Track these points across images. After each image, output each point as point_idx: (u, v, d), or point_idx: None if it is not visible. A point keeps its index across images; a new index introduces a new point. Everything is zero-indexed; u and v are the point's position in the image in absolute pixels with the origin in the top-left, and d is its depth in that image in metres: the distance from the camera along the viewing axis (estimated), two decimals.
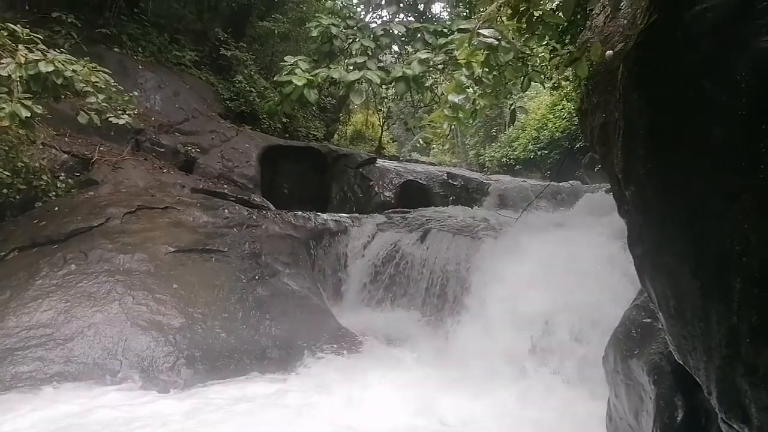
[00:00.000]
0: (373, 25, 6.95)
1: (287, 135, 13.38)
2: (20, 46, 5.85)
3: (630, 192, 2.15)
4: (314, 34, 6.88)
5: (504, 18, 3.38)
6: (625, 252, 2.30)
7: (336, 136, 17.44)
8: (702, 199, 1.72)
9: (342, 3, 9.45)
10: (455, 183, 11.59)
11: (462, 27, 4.17)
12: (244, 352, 5.32)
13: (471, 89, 4.27)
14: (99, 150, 8.26)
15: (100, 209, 6.48)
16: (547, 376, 5.04)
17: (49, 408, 4.15)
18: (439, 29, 6.46)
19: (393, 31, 6.47)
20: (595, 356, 3.92)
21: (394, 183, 11.10)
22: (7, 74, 5.59)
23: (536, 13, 3.26)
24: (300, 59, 5.98)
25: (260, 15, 14.36)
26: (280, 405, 4.52)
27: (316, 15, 8.90)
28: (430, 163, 16.35)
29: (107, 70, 6.49)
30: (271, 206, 8.90)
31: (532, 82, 4.50)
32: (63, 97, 6.33)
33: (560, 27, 5.27)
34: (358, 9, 8.57)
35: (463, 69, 4.07)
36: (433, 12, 10.02)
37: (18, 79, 5.63)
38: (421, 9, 7.47)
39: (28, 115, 5.57)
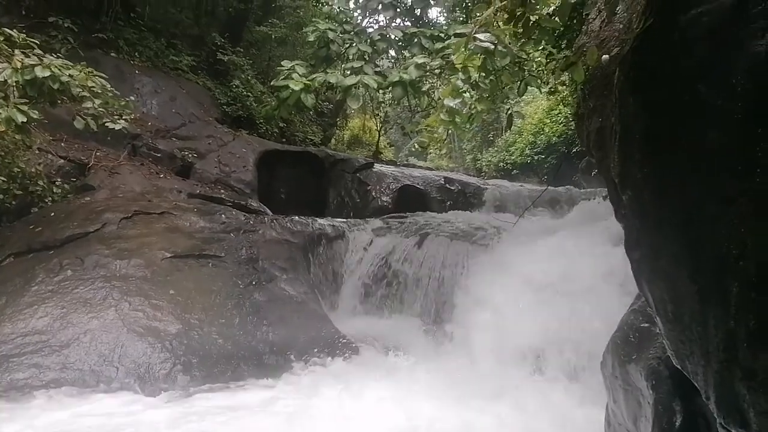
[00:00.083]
0: (370, 29, 6.97)
1: (284, 140, 13.39)
2: (16, 51, 5.84)
3: (627, 196, 2.15)
4: (311, 38, 6.90)
5: (500, 23, 3.39)
6: (625, 265, 2.28)
7: (333, 140, 17.46)
8: (698, 202, 1.72)
9: (339, 8, 9.47)
10: (452, 188, 11.60)
11: (459, 32, 4.18)
12: (241, 358, 5.29)
13: (468, 94, 4.28)
14: (95, 155, 8.25)
15: (96, 215, 6.46)
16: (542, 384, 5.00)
17: (41, 416, 4.11)
18: (436, 34, 6.47)
19: (390, 36, 6.49)
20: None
21: (391, 188, 11.10)
22: (3, 79, 5.58)
23: (532, 18, 3.26)
24: (297, 64, 6.00)
25: (257, 20, 14.39)
26: (274, 413, 4.49)
27: (313, 20, 8.92)
28: (428, 168, 16.38)
29: (104, 75, 6.49)
30: (268, 211, 8.89)
31: (528, 87, 4.51)
32: (59, 102, 6.32)
33: (556, 31, 5.29)
34: (355, 14, 8.59)
35: (460, 73, 4.08)
36: (430, 17, 10.05)
37: (14, 84, 5.62)
38: (418, 14, 7.49)
39: (24, 120, 5.56)
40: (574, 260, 5.93)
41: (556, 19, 3.49)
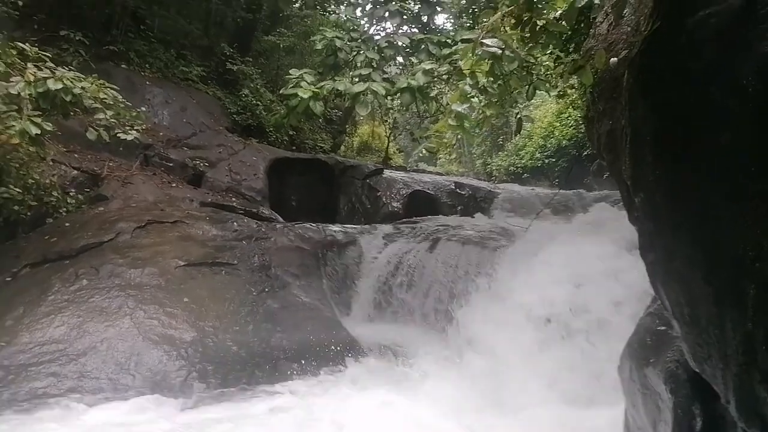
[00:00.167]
0: (377, 37, 7.01)
1: (294, 147, 13.47)
2: (29, 65, 5.94)
3: (639, 199, 2.15)
4: (319, 47, 6.96)
5: (507, 27, 3.40)
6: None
7: (343, 147, 17.53)
8: (712, 204, 1.71)
9: (346, 16, 9.54)
10: (463, 192, 11.59)
11: (466, 37, 4.20)
12: (255, 365, 5.31)
13: (476, 99, 4.29)
14: (108, 166, 8.35)
15: (110, 224, 6.53)
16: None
17: (61, 425, 4.15)
18: (443, 40, 6.51)
19: (397, 43, 6.53)
20: None
21: (401, 193, 11.12)
22: (16, 92, 5.67)
23: (539, 22, 3.27)
24: (305, 72, 6.05)
25: (265, 29, 14.52)
26: (288, 419, 4.51)
27: (321, 28, 9.00)
28: (438, 173, 16.39)
29: (115, 87, 6.58)
30: (280, 218, 8.93)
31: (537, 91, 4.52)
32: (72, 113, 6.42)
33: (564, 35, 5.29)
34: (362, 21, 8.65)
35: (468, 79, 4.09)
36: (437, 23, 10.08)
37: (27, 96, 5.72)
38: (425, 20, 7.53)
39: (38, 132, 5.65)
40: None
41: (563, 23, 3.49)
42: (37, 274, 5.69)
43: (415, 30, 7.33)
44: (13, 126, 5.55)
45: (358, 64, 6.26)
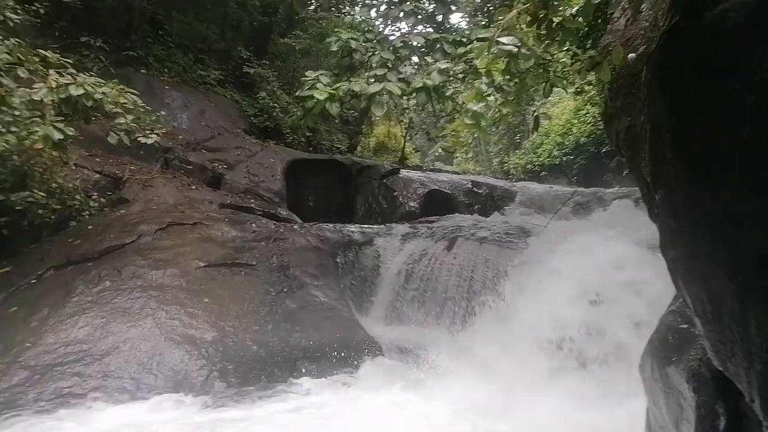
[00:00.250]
0: (392, 37, 7.02)
1: (311, 148, 13.56)
2: (51, 71, 6.07)
3: (659, 195, 2.12)
4: (334, 48, 6.98)
5: (523, 25, 3.39)
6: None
7: (359, 148, 17.59)
8: (734, 200, 1.69)
9: (361, 17, 9.57)
10: (480, 191, 11.54)
11: (481, 36, 4.19)
12: (275, 365, 5.36)
13: (492, 97, 4.28)
14: (129, 169, 8.48)
15: (131, 227, 6.63)
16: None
17: (85, 424, 4.23)
18: (458, 39, 6.48)
19: (412, 43, 6.52)
20: None
21: (418, 193, 11.12)
22: (39, 98, 5.80)
23: (555, 19, 3.25)
24: (321, 74, 6.08)
25: (281, 32, 14.62)
26: (308, 418, 4.55)
27: (336, 30, 9.01)
28: (454, 172, 16.34)
29: (135, 92, 6.69)
30: (298, 219, 8.99)
31: (554, 88, 4.48)
32: (93, 118, 6.54)
33: (580, 32, 5.24)
34: (377, 22, 8.66)
35: (483, 77, 4.09)
36: (452, 22, 10.04)
37: (50, 102, 5.85)
38: (440, 20, 7.51)
39: (61, 137, 5.77)
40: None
41: (580, 19, 3.47)
42: (61, 276, 5.80)
43: (430, 29, 7.32)
44: (37, 131, 5.68)
45: (374, 65, 6.27)
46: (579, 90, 8.36)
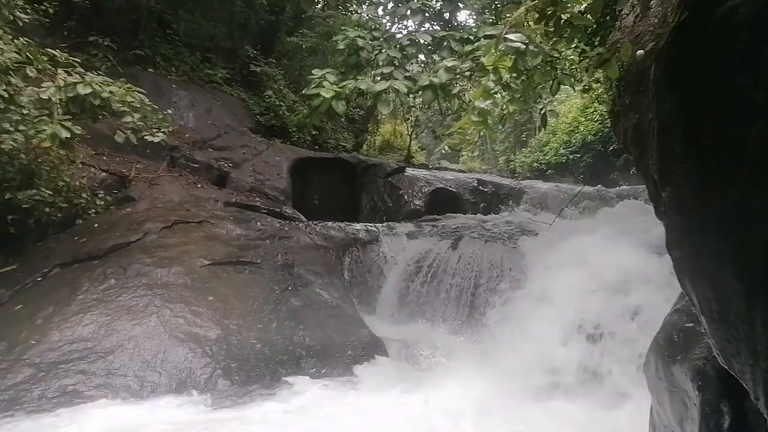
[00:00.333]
0: (399, 35, 7.00)
1: (317, 147, 13.56)
2: (59, 70, 6.10)
3: (667, 193, 2.10)
4: (341, 46, 6.97)
5: (531, 22, 3.36)
6: None
7: (365, 146, 17.57)
8: (743, 198, 1.66)
9: (368, 15, 9.54)
10: (486, 189, 11.52)
11: (488, 33, 4.16)
12: (279, 363, 5.36)
13: (499, 95, 4.25)
14: (136, 167, 8.51)
15: (137, 225, 6.66)
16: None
17: (89, 421, 4.24)
18: (465, 37, 6.45)
19: (419, 41, 6.49)
20: None
21: (423, 191, 11.10)
22: (47, 97, 5.83)
23: (564, 16, 3.22)
24: (327, 72, 6.06)
25: (288, 31, 14.63)
26: (312, 415, 4.55)
27: (343, 28, 9.01)
28: (460, 171, 16.31)
29: (142, 90, 6.71)
30: (303, 218, 8.99)
31: (561, 86, 4.44)
32: (100, 117, 6.57)
33: (589, 29, 5.21)
34: (384, 20, 8.64)
35: (491, 75, 4.06)
36: (459, 20, 10.01)
37: (58, 101, 5.87)
38: (447, 17, 7.48)
39: (68, 135, 5.79)
40: None
41: (589, 16, 3.43)
42: (66, 274, 5.83)
43: (437, 27, 7.28)
44: (44, 130, 5.71)
45: (380, 63, 6.25)
46: (586, 87, 8.30)
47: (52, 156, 6.38)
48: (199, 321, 5.43)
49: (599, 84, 7.57)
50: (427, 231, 8.13)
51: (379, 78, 5.97)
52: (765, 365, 1.63)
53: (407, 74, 6.12)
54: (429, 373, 5.51)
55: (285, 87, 13.59)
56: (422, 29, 7.05)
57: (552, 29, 3.30)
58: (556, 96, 13.78)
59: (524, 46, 3.31)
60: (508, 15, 3.35)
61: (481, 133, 4.50)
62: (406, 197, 10.93)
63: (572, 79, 5.75)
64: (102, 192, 7.67)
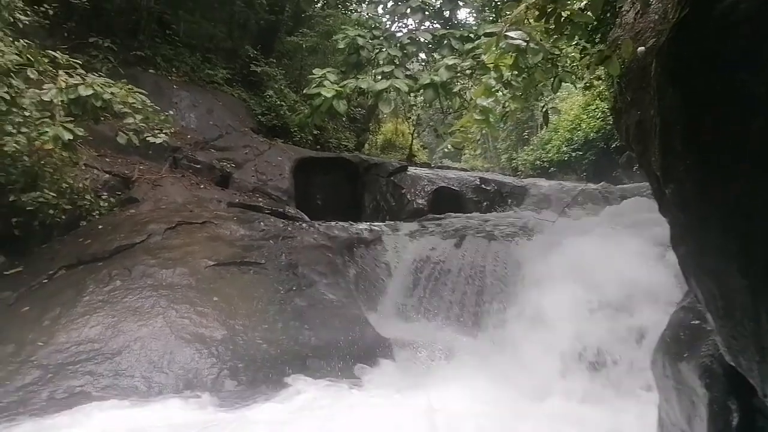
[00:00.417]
0: (400, 34, 7.00)
1: (318, 147, 13.57)
2: (61, 72, 6.12)
3: (670, 190, 2.10)
4: (341, 45, 6.98)
5: (531, 20, 3.36)
6: None
7: (367, 145, 17.57)
8: (745, 194, 1.67)
9: (368, 14, 9.54)
10: (488, 188, 11.52)
11: (489, 31, 4.17)
12: (284, 362, 5.37)
13: (500, 93, 4.26)
14: (138, 169, 8.53)
15: (141, 226, 6.67)
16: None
17: (97, 423, 4.26)
18: (466, 34, 6.45)
19: (419, 39, 6.50)
20: None
21: (426, 190, 11.10)
22: (49, 99, 5.86)
23: (564, 13, 3.22)
24: (328, 71, 6.08)
25: (288, 30, 14.63)
26: (318, 415, 4.55)
27: (343, 27, 9.01)
28: (462, 169, 16.31)
29: (143, 91, 6.73)
30: (306, 217, 9.00)
31: (563, 83, 4.45)
32: (102, 118, 6.59)
33: (589, 26, 5.20)
34: (384, 19, 8.64)
35: (492, 73, 4.06)
36: (459, 18, 10.00)
37: (60, 103, 5.89)
38: (447, 16, 7.48)
39: (71, 137, 5.82)
40: None
41: (589, 13, 3.43)
42: (72, 275, 5.85)
43: (437, 25, 7.28)
44: (47, 132, 5.73)
45: (381, 62, 6.26)
46: (588, 85, 8.31)
47: (55, 158, 6.39)
48: (204, 321, 5.45)
49: (601, 81, 7.57)
50: (430, 230, 8.13)
51: (379, 77, 5.98)
52: None
53: (408, 73, 6.13)
54: (433, 373, 5.50)
55: (286, 87, 13.60)
56: (422, 28, 7.05)
57: (552, 26, 3.31)
58: (558, 93, 13.78)
59: (525, 44, 3.31)
60: (508, 12, 3.36)
61: (483, 132, 4.49)
62: (408, 196, 10.93)
63: (573, 77, 5.75)
64: (105, 194, 7.68)
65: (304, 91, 7.10)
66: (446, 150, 22.56)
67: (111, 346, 5.00)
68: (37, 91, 5.87)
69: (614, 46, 3.54)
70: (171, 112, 8.27)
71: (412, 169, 12.12)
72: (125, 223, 6.83)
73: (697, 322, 2.70)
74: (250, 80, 13.05)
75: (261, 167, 10.16)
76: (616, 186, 10.95)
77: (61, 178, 6.59)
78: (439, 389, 4.93)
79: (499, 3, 8.28)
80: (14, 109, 5.61)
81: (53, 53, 6.32)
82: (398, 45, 6.40)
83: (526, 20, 3.32)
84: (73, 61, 6.40)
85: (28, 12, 6.62)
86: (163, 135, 6.93)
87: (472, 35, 6.32)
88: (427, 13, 6.99)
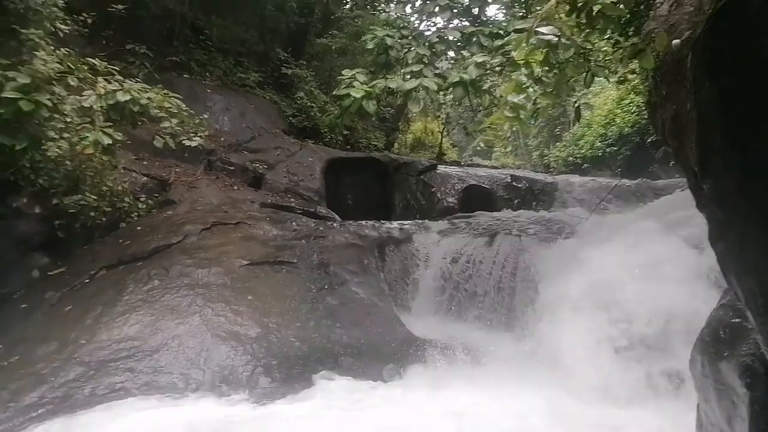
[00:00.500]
0: (428, 32, 6.99)
1: (348, 147, 13.66)
2: (99, 79, 6.32)
3: (708, 185, 2.06)
4: (370, 46, 7.00)
5: (562, 14, 3.32)
6: None
7: (396, 145, 17.59)
8: None
9: (396, 14, 9.55)
10: (519, 185, 11.40)
11: (519, 27, 4.12)
12: (317, 360, 5.44)
13: (531, 89, 4.21)
14: (175, 171, 8.74)
15: (178, 227, 6.84)
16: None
17: (138, 418, 4.38)
18: (495, 31, 6.39)
19: (448, 37, 6.47)
20: None
21: (456, 188, 11.06)
22: (89, 105, 6.06)
23: (596, 7, 3.17)
24: (357, 72, 6.11)
25: (317, 33, 14.77)
26: (350, 413, 4.60)
27: (371, 27, 9.03)
28: (493, 167, 16.19)
29: (178, 96, 6.91)
30: (337, 217, 9.08)
31: (595, 78, 4.37)
32: (140, 123, 6.79)
33: (622, 19, 5.10)
34: (412, 18, 8.64)
35: (522, 69, 4.02)
36: (488, 14, 9.93)
37: (99, 109, 6.10)
38: (476, 13, 7.42)
39: (110, 142, 6.02)
40: None
41: (622, 6, 3.37)
42: (112, 275, 6.04)
43: (466, 23, 7.24)
44: (87, 137, 5.94)
45: (410, 61, 6.25)
46: (622, 79, 8.14)
47: (95, 162, 6.61)
48: (239, 320, 5.55)
49: (635, 75, 7.40)
50: (461, 228, 8.10)
51: (408, 76, 5.98)
52: None
53: (437, 71, 6.11)
54: (467, 373, 5.47)
55: (316, 88, 13.73)
56: (451, 26, 7.02)
57: (584, 21, 3.25)
58: (590, 88, 13.55)
59: (556, 39, 3.27)
60: (538, 8, 3.32)
61: (514, 129, 4.45)
62: (438, 195, 10.91)
63: (606, 71, 5.63)
64: (143, 196, 7.90)
65: (334, 92, 7.16)
66: (478, 147, 22.43)
67: (150, 344, 5.14)
68: (77, 97, 6.08)
69: (648, 38, 3.47)
70: (205, 116, 8.46)
71: (441, 168, 12.08)
72: (162, 224, 7.01)
73: (737, 320, 2.63)
74: (281, 83, 13.23)
75: (292, 168, 10.30)
76: (656, 182, 10.66)
77: (102, 182, 6.80)
78: (468, 392, 4.91)
79: None
80: (56, 116, 5.81)
81: (92, 61, 6.54)
82: (427, 44, 6.38)
83: (557, 15, 3.27)
84: (111, 68, 6.61)
85: (68, 21, 6.85)
86: (198, 138, 7.10)
87: (501, 32, 6.26)
88: (455, 11, 6.95)
